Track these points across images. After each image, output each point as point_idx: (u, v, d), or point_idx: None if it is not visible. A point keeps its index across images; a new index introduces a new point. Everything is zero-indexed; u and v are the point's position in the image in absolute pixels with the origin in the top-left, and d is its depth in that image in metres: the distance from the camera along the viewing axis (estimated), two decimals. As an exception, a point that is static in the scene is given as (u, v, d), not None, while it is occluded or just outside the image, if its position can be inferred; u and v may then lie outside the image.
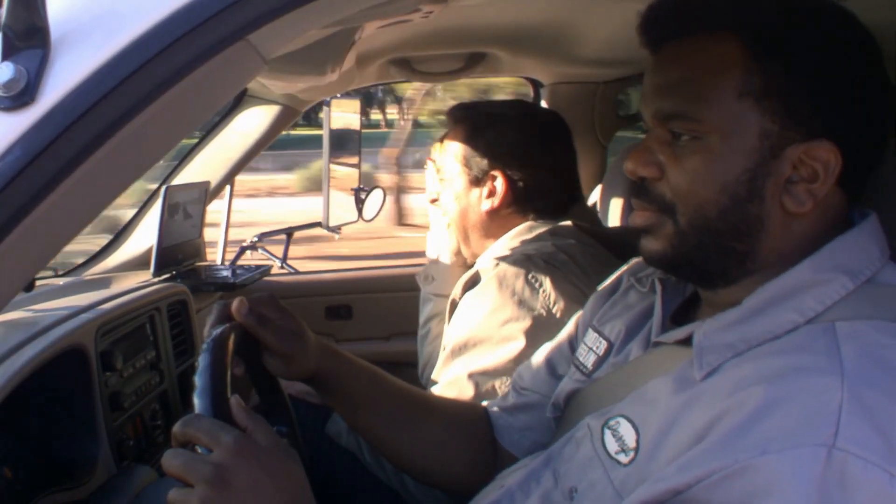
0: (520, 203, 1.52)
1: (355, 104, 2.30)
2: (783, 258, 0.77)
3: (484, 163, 1.51)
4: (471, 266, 1.56)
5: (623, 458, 0.78)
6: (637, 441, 0.77)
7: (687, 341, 0.79)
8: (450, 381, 1.37)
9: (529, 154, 1.51)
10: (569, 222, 1.52)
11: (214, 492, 0.73)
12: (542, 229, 1.50)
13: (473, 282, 1.46)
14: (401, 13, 1.22)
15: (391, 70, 2.08)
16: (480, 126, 1.54)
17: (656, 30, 0.81)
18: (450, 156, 1.56)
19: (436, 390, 1.39)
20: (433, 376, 1.44)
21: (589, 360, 0.98)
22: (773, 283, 0.76)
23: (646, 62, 0.83)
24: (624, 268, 1.06)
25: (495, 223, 1.53)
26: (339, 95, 2.18)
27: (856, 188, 0.78)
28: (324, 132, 2.13)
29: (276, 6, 0.67)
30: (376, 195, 2.40)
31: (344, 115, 2.23)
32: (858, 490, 0.60)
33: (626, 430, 0.79)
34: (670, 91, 0.79)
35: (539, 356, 1.15)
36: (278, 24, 0.68)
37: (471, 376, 1.35)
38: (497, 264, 1.42)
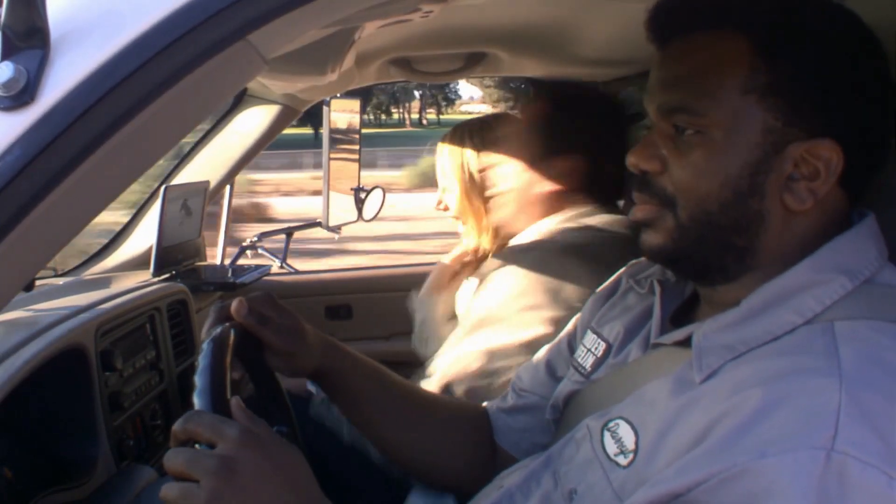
0: (584, 188, 1.50)
1: (354, 104, 2.30)
2: (783, 256, 0.77)
3: (554, 145, 1.49)
4: (504, 245, 1.55)
5: (622, 460, 0.78)
6: (636, 443, 0.77)
7: (686, 342, 0.79)
8: (458, 355, 1.37)
9: (603, 141, 1.51)
10: (619, 215, 1.50)
11: (221, 482, 0.72)
12: (592, 218, 1.48)
13: (508, 258, 1.45)
14: (401, 13, 1.22)
15: (391, 70, 2.08)
16: (561, 106, 1.53)
17: (664, 25, 0.82)
18: (523, 128, 1.54)
19: (444, 362, 1.38)
20: (444, 349, 1.43)
21: (587, 361, 0.98)
22: (772, 284, 0.76)
23: (652, 57, 0.83)
24: (623, 269, 1.06)
25: (555, 204, 1.51)
26: (338, 95, 2.18)
27: (857, 188, 0.78)
28: (324, 132, 2.13)
29: (276, 6, 0.67)
30: (376, 195, 2.40)
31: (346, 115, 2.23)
32: (857, 492, 0.60)
33: (626, 432, 0.79)
34: (675, 85, 0.79)
35: (538, 357, 1.15)
36: (278, 24, 0.68)
37: (480, 352, 1.34)
38: (536, 247, 1.41)
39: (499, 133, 1.62)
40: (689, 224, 0.79)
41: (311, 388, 1.58)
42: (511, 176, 1.55)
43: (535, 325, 1.33)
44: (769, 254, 0.78)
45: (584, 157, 1.49)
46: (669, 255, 0.82)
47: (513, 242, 1.52)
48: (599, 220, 1.48)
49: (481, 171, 1.66)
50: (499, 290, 1.40)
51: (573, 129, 1.50)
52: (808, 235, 0.77)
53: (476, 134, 1.74)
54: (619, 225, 1.47)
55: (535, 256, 1.39)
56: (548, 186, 1.51)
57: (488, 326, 1.37)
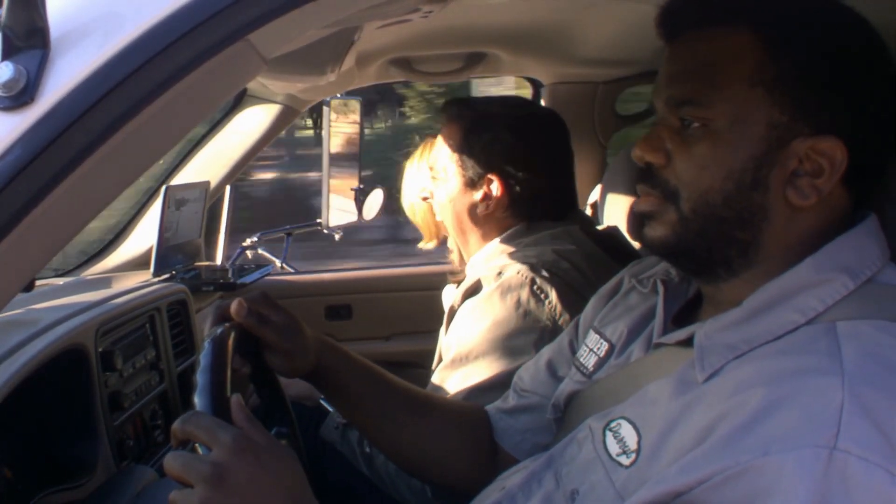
0: (515, 207, 1.47)
1: (355, 104, 2.30)
2: (785, 252, 0.77)
3: (479, 165, 1.46)
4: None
5: (624, 460, 0.78)
6: (638, 443, 0.77)
7: (688, 342, 0.79)
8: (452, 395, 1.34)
9: (527, 157, 1.46)
10: (567, 226, 1.48)
11: (213, 490, 0.73)
12: (540, 233, 1.46)
13: (474, 289, 1.42)
14: (401, 13, 1.22)
15: (391, 70, 2.08)
16: (477, 126, 1.48)
17: (675, 20, 0.82)
18: (444, 154, 1.51)
19: None
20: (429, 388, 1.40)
21: (590, 361, 0.98)
22: (774, 283, 0.76)
23: (652, 57, 0.83)
24: (625, 269, 1.06)
25: (490, 225, 1.49)
26: (339, 95, 2.18)
27: (861, 188, 0.79)
28: (324, 132, 2.13)
29: (276, 6, 0.67)
30: (376, 195, 2.40)
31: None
32: (860, 490, 0.60)
33: (628, 432, 0.79)
34: (683, 78, 0.80)
35: (540, 358, 1.15)
36: (278, 24, 0.68)
37: (472, 391, 1.32)
38: (499, 272, 1.38)
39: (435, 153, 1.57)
40: (692, 217, 0.79)
41: (325, 404, 1.58)
42: (445, 204, 1.52)
43: (524, 349, 1.31)
44: (772, 249, 0.78)
45: (508, 175, 1.45)
46: (672, 248, 0.82)
47: (467, 268, 1.49)
48: (546, 234, 1.45)
49: (425, 199, 1.63)
50: (475, 321, 1.37)
51: (489, 148, 1.45)
52: (810, 233, 0.77)
53: (428, 152, 1.72)
54: (566, 237, 1.45)
55: (500, 283, 1.36)
56: (480, 210, 1.47)
57: (476, 360, 1.34)
